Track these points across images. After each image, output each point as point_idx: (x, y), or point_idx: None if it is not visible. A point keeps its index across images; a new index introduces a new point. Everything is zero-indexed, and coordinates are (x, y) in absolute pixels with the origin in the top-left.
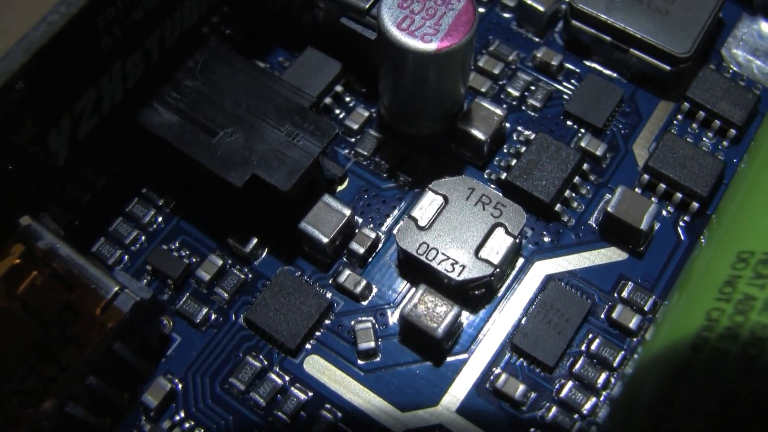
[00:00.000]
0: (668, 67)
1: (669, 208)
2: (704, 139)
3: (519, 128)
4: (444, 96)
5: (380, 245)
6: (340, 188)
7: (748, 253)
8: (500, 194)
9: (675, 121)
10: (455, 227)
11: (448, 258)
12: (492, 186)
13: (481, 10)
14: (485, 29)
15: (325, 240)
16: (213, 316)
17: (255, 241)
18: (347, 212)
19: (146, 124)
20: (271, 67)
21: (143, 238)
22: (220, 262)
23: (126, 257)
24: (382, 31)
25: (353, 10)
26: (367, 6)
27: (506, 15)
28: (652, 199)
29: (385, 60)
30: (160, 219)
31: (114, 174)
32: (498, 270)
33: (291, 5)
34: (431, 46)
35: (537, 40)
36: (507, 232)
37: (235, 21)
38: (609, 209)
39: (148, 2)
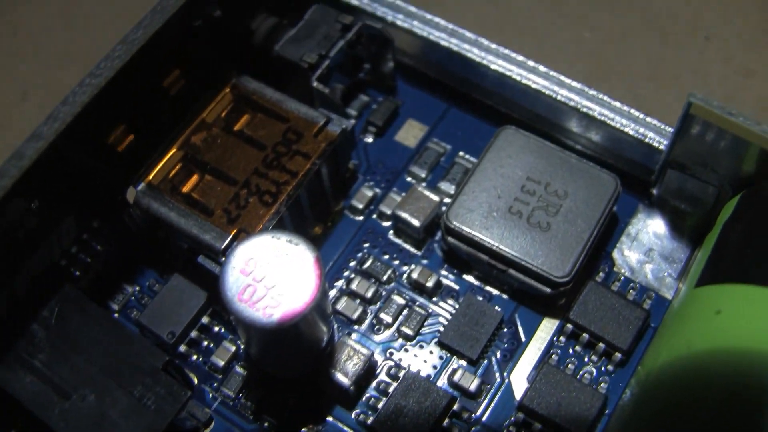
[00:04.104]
0: (548, 290)
1: None
2: (588, 361)
3: (391, 360)
4: (302, 352)
5: None
6: (206, 431)
7: None
8: None
9: (558, 342)
10: None
11: None
12: (361, 430)
13: (359, 218)
14: (361, 239)
15: None
16: None
17: None
18: None
19: (2, 384)
20: (141, 290)
21: None
22: None
23: None
24: (223, 300)
25: (208, 250)
26: (222, 248)
27: (384, 223)
28: None
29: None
30: None
31: None
32: None
33: (156, 233)
34: (272, 320)
35: (415, 251)
36: None
37: (106, 238)
38: None
39: None
